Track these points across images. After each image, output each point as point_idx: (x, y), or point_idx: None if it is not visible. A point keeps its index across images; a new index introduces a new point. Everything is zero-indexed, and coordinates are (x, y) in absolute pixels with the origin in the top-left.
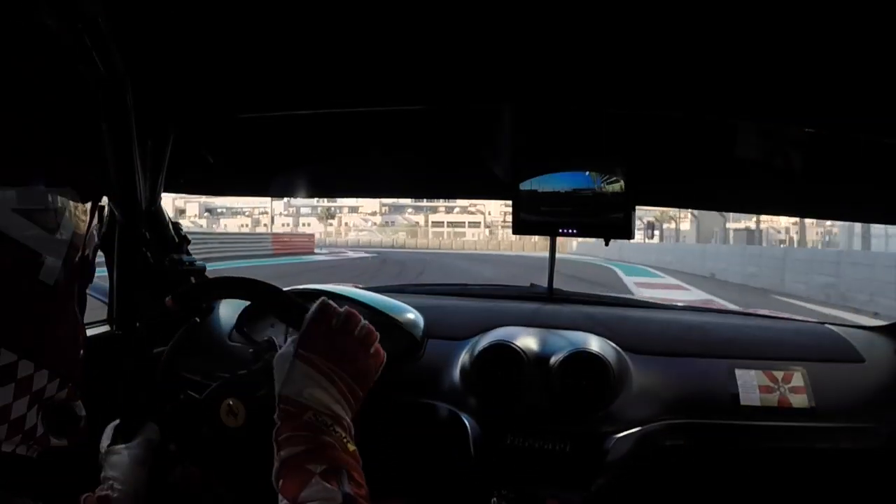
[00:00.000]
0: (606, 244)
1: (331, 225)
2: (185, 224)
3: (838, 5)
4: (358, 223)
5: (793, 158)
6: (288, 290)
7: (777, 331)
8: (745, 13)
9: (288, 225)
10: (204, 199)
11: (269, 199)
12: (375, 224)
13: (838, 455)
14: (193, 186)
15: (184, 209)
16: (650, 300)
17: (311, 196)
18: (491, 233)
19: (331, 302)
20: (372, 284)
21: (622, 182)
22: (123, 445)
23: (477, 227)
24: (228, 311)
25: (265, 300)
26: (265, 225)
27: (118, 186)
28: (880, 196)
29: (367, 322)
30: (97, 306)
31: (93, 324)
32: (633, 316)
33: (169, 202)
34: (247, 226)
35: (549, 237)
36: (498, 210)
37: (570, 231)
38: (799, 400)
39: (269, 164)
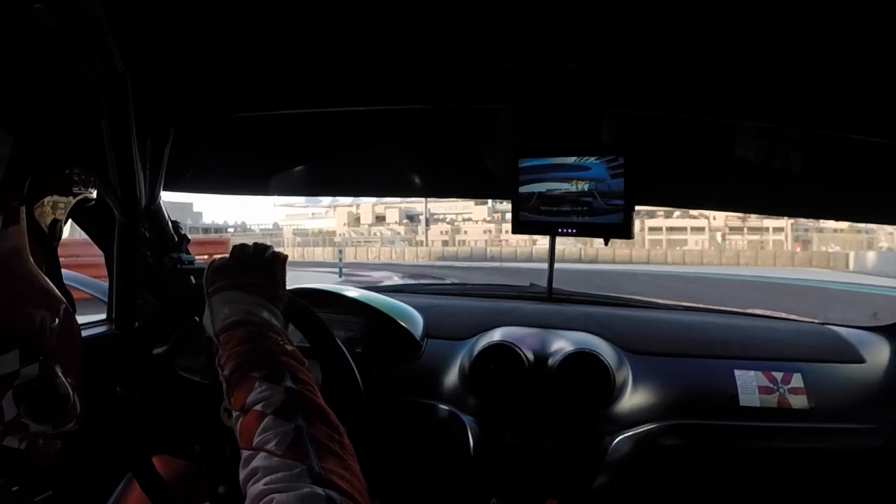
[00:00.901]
0: (606, 244)
1: None
2: (384, 231)
3: (837, 7)
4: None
5: (793, 158)
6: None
7: (777, 331)
8: (745, 15)
9: (490, 231)
10: (405, 205)
11: (472, 204)
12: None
13: (838, 456)
14: (193, 185)
15: (383, 215)
16: (650, 300)
17: (310, 195)
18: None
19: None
20: None
21: (622, 182)
22: None
23: (700, 232)
24: None
25: (187, 301)
26: (465, 232)
27: (118, 185)
28: (880, 196)
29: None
30: (97, 306)
31: (93, 324)
32: (633, 316)
33: (369, 209)
34: (447, 232)
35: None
36: (722, 213)
37: (570, 231)
38: (798, 401)
39: (270, 163)
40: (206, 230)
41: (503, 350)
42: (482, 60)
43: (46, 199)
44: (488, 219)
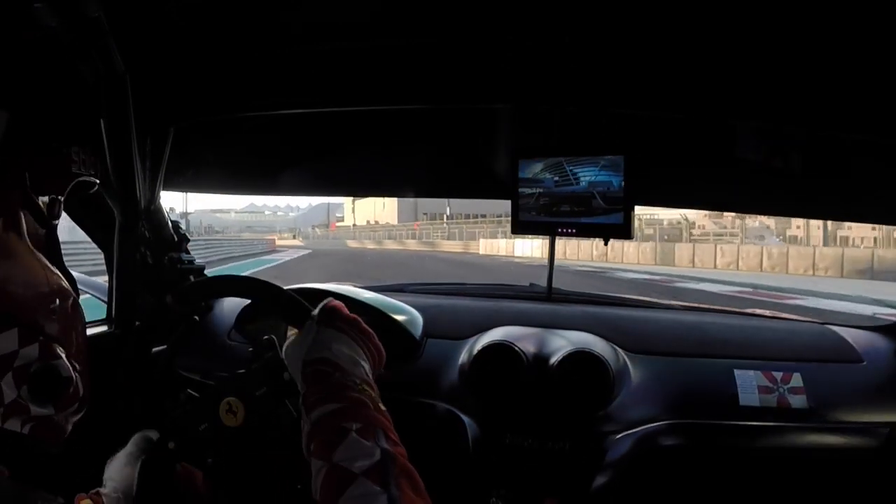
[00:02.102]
0: (606, 244)
1: None
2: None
3: (837, 7)
4: None
5: (792, 158)
6: (287, 289)
7: (776, 331)
8: (745, 15)
9: None
10: None
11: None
12: None
13: (837, 455)
14: (193, 185)
15: None
16: (650, 300)
17: (310, 194)
18: None
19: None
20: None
21: (622, 182)
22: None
23: None
24: (227, 309)
25: (267, 299)
26: None
27: (117, 185)
28: (880, 196)
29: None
30: (97, 306)
31: (92, 323)
32: (633, 316)
33: None
34: None
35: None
36: None
37: (570, 231)
38: (798, 400)
39: (269, 163)
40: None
41: (503, 350)
42: (482, 60)
43: (45, 179)
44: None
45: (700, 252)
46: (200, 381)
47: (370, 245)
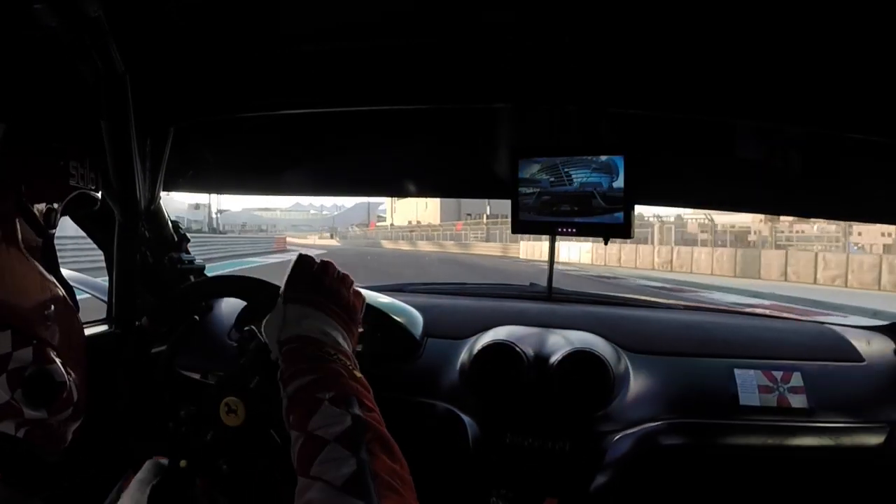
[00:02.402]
0: (605, 243)
1: None
2: None
3: (837, 6)
4: None
5: (792, 158)
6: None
7: (776, 330)
8: (745, 14)
9: None
10: None
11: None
12: None
13: (837, 454)
14: (193, 185)
15: None
16: (650, 299)
17: (310, 194)
18: None
19: (307, 253)
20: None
21: (622, 181)
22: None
23: None
24: (227, 309)
25: (237, 291)
26: None
27: (117, 185)
28: (880, 195)
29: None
30: (97, 306)
31: (92, 323)
32: (633, 315)
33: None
34: None
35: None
36: None
37: (570, 231)
38: (798, 400)
39: (269, 163)
40: None
41: (503, 349)
42: (482, 60)
43: (41, 188)
44: None
45: (795, 261)
46: (200, 380)
47: (404, 246)
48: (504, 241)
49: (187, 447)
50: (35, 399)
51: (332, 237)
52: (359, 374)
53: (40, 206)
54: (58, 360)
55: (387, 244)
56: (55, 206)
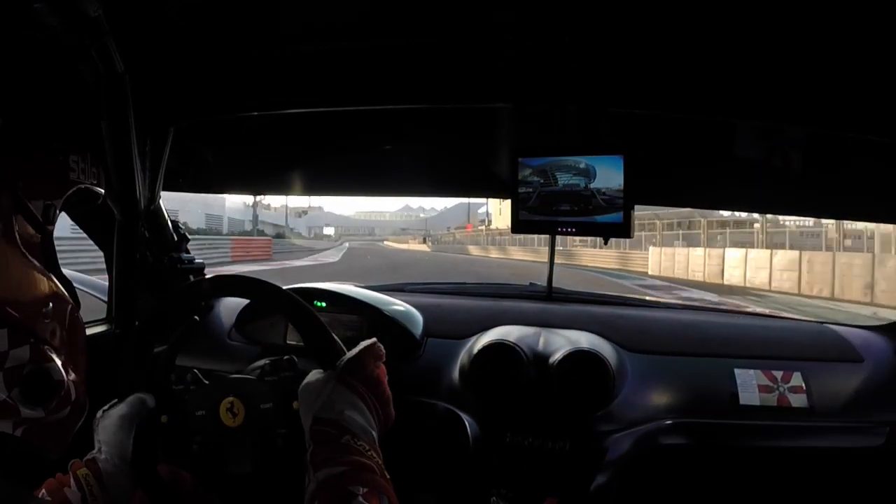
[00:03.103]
0: (605, 243)
1: None
2: None
3: (837, 6)
4: None
5: (792, 157)
6: (287, 289)
7: (776, 330)
8: (745, 14)
9: None
10: None
11: None
12: None
13: (837, 454)
14: (193, 185)
15: None
16: (650, 299)
17: (309, 194)
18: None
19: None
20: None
21: (622, 181)
22: (111, 404)
23: None
24: (228, 309)
25: (252, 294)
26: None
27: (117, 185)
28: (880, 195)
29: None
30: (97, 306)
31: (92, 323)
32: (633, 315)
33: None
34: None
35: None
36: None
37: (570, 230)
38: (798, 399)
39: (269, 163)
40: None
41: (503, 349)
42: (482, 60)
43: (39, 184)
44: None
45: None
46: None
47: (493, 253)
48: (623, 247)
49: (176, 407)
50: (32, 398)
51: (424, 241)
52: (387, 475)
53: (38, 202)
54: (56, 359)
55: (474, 250)
56: (54, 201)
